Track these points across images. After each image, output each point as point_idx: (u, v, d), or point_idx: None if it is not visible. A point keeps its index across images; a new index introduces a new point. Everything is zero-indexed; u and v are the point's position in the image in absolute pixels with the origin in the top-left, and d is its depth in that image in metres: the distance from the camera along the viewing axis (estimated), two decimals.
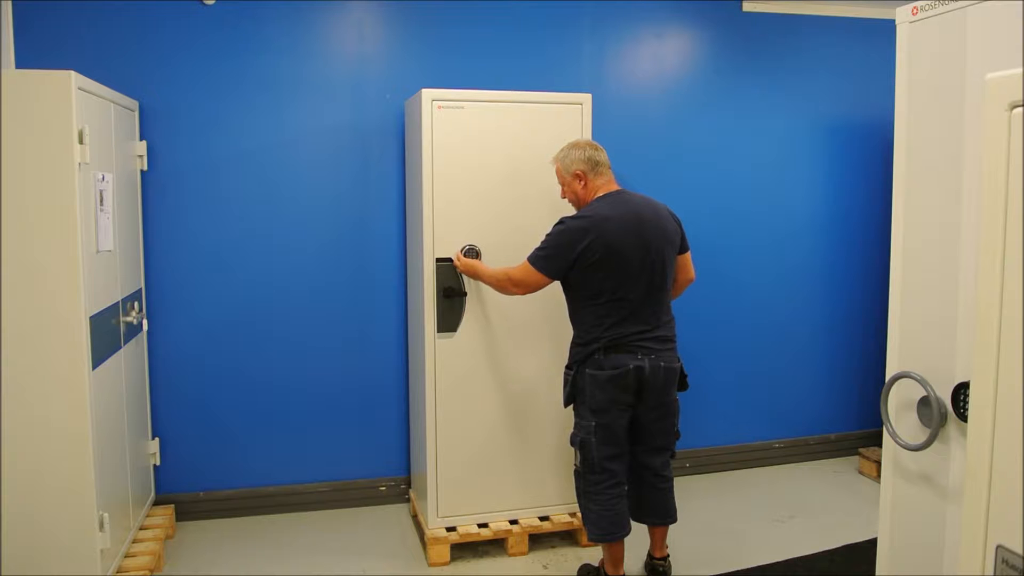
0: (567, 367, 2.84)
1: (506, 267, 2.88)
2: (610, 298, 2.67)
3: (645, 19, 3.87)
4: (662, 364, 2.70)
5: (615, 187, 2.80)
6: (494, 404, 3.21)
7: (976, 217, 1.51)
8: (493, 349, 3.18)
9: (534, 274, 2.74)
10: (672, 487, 2.92)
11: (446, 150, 3.06)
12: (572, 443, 2.82)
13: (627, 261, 2.64)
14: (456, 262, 3.05)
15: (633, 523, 2.87)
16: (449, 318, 3.11)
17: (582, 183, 2.78)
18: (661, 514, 2.92)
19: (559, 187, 2.90)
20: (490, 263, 3.10)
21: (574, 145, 2.82)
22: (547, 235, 2.74)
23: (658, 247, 2.69)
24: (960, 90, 1.58)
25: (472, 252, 3.10)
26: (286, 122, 3.49)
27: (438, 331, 3.11)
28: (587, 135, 3.20)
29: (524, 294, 2.84)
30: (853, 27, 4.12)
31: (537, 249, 2.75)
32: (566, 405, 2.85)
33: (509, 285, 2.82)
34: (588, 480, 2.77)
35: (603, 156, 2.79)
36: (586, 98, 3.21)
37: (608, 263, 2.64)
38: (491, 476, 3.24)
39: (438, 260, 3.08)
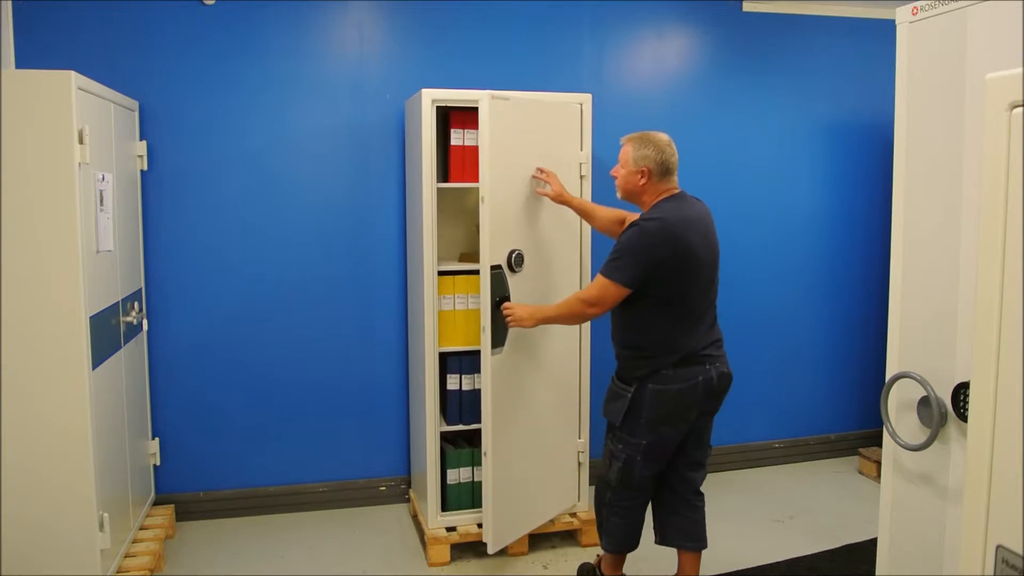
0: (622, 381, 2.61)
1: (574, 294, 2.68)
2: (680, 307, 2.52)
3: (645, 19, 3.87)
4: (724, 371, 2.60)
5: (678, 188, 2.63)
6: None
7: (976, 217, 1.51)
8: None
9: (613, 288, 2.49)
10: (705, 508, 2.79)
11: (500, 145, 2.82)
12: (614, 459, 2.63)
13: (699, 268, 2.51)
14: (516, 320, 2.77)
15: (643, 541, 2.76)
16: (499, 332, 2.88)
17: (644, 180, 2.58)
18: (696, 537, 2.75)
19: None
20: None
21: (654, 142, 2.58)
22: (622, 243, 2.50)
23: (716, 252, 2.60)
24: (960, 90, 1.58)
25: (519, 257, 2.92)
26: (286, 122, 3.49)
27: (492, 347, 2.85)
28: (587, 135, 3.20)
29: (602, 313, 2.59)
30: (853, 27, 4.12)
31: (612, 260, 2.51)
32: (617, 423, 2.62)
33: (585, 308, 2.58)
34: (620, 495, 2.65)
35: (676, 159, 2.61)
36: (586, 98, 3.21)
37: (684, 270, 2.48)
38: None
39: (493, 268, 2.83)
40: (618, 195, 2.69)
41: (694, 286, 2.53)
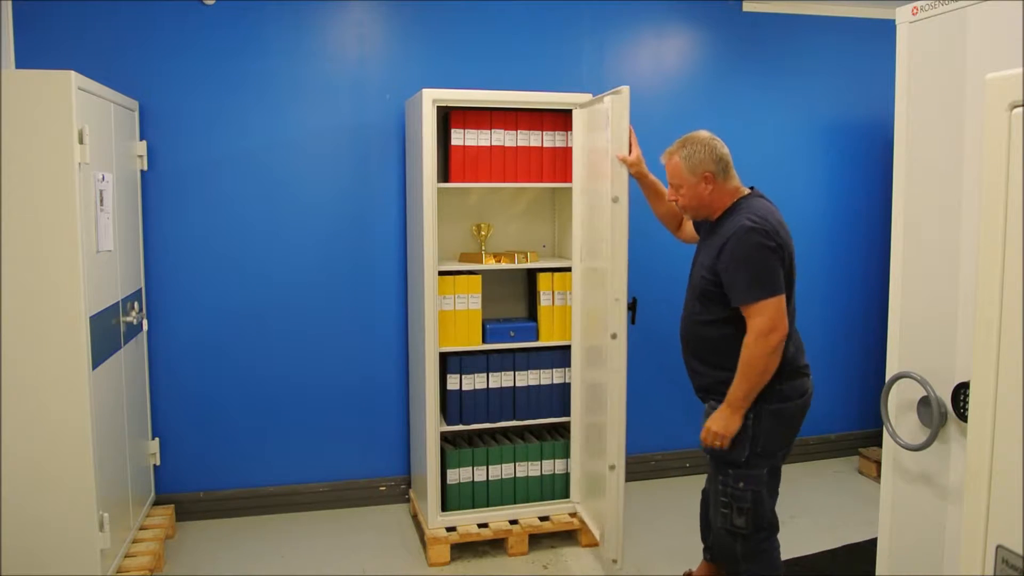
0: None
1: (744, 344, 2.27)
2: (787, 314, 2.27)
3: (645, 19, 3.87)
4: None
5: (745, 187, 2.44)
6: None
7: (976, 217, 1.51)
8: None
9: (774, 302, 2.22)
10: None
11: None
12: (737, 501, 2.32)
13: (794, 268, 2.35)
14: (725, 440, 2.31)
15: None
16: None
17: (711, 186, 2.36)
18: None
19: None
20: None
21: (700, 142, 2.38)
22: (744, 255, 2.24)
23: None
24: (960, 90, 1.58)
25: None
26: (286, 122, 3.49)
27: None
28: None
29: (785, 335, 2.25)
30: (853, 27, 4.12)
31: (748, 280, 2.23)
32: (742, 459, 2.31)
33: (772, 340, 2.22)
34: (754, 541, 2.35)
35: (728, 149, 2.39)
36: (586, 98, 3.21)
37: (791, 271, 2.32)
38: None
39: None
40: (688, 216, 2.48)
41: (791, 292, 2.32)
